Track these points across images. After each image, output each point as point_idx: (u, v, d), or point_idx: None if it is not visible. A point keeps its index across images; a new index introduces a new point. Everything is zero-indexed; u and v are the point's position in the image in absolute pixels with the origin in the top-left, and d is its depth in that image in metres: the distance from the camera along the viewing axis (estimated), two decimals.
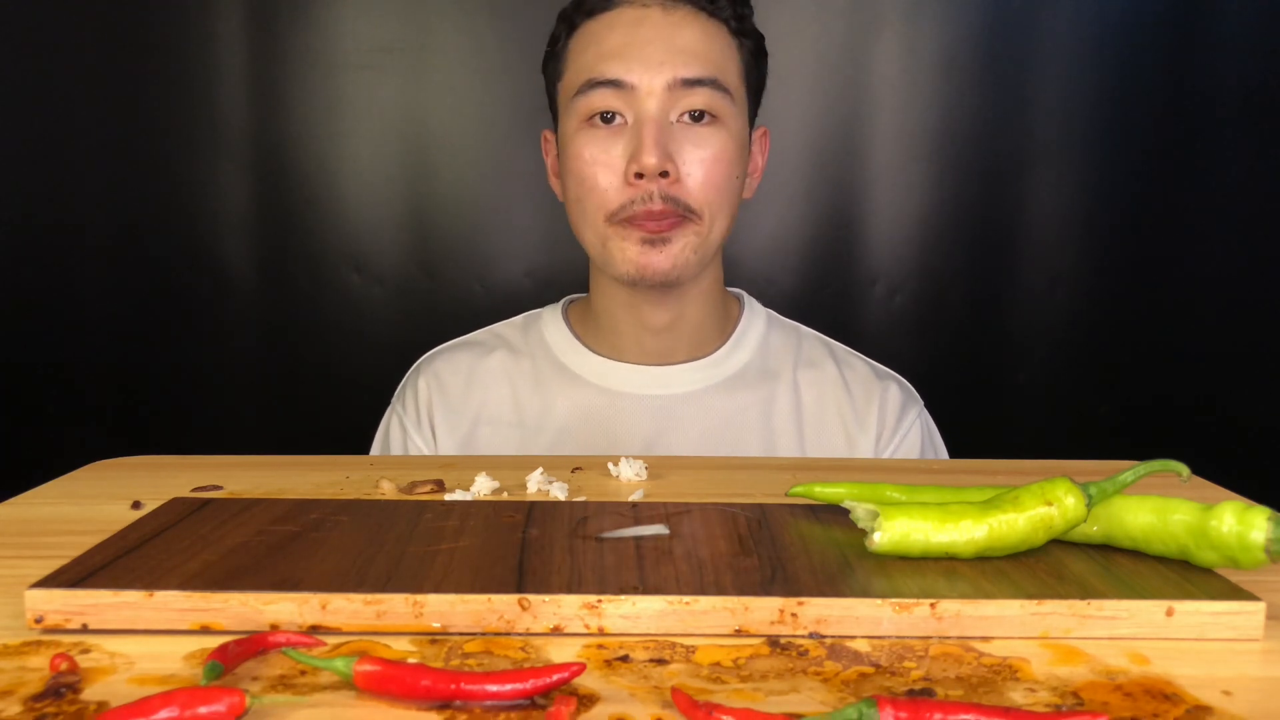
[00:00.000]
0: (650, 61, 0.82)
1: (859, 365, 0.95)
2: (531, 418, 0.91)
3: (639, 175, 0.82)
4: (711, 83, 0.83)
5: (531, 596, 0.41)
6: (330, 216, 1.49)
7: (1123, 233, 1.48)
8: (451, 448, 0.92)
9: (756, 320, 0.96)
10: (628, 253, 0.84)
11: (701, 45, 0.84)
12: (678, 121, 0.83)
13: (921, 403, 0.95)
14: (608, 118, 0.83)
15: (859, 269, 1.49)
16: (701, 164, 0.83)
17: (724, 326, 0.94)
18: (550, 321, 0.96)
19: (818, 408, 0.92)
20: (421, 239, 1.50)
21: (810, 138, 1.47)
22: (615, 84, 0.82)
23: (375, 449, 0.97)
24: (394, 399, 0.97)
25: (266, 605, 0.41)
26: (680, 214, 0.83)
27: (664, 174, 0.81)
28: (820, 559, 0.46)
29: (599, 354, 0.92)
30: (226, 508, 0.54)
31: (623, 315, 0.91)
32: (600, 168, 0.83)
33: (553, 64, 0.90)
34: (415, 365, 0.97)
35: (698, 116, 0.83)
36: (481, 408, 0.92)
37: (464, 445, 0.92)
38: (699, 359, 0.92)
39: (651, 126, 0.82)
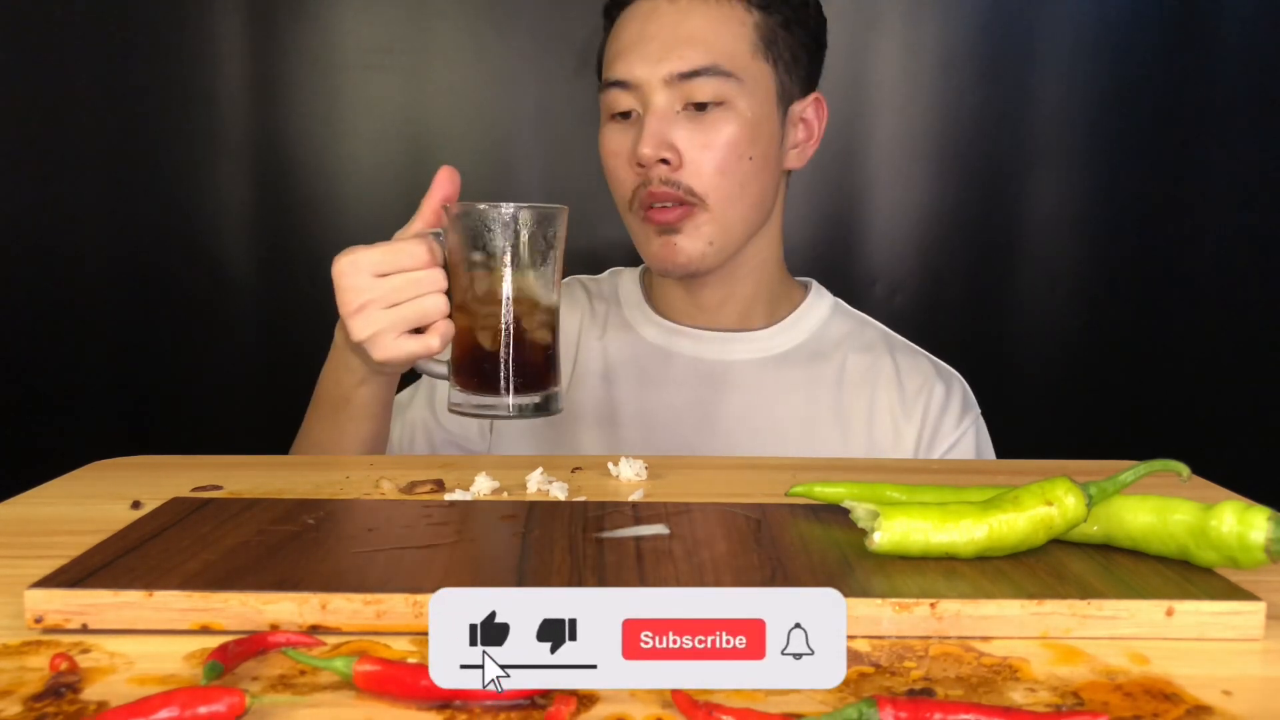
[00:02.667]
0: (650, 58, 0.85)
1: (919, 360, 0.96)
2: (586, 358, 0.95)
3: (641, 165, 0.85)
4: (711, 70, 0.84)
5: None
6: (330, 216, 1.49)
7: (1123, 233, 1.48)
8: None
9: (819, 305, 0.97)
10: (650, 247, 0.88)
11: (703, 32, 0.85)
12: (683, 110, 0.85)
13: (978, 410, 0.95)
14: (625, 114, 0.87)
15: (859, 269, 1.49)
16: (704, 150, 0.85)
17: (781, 307, 0.96)
18: (628, 278, 1.01)
19: (866, 394, 0.92)
20: None
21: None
22: (623, 84, 0.86)
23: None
24: None
25: (266, 605, 0.41)
26: (683, 199, 0.85)
27: (666, 161, 0.84)
28: (820, 559, 0.46)
29: (661, 315, 0.96)
30: (226, 508, 0.54)
31: (673, 288, 0.95)
32: (617, 159, 0.88)
33: (600, 61, 0.93)
34: None
35: (701, 105, 0.85)
36: None
37: None
38: (753, 331, 0.94)
39: (650, 119, 0.85)
